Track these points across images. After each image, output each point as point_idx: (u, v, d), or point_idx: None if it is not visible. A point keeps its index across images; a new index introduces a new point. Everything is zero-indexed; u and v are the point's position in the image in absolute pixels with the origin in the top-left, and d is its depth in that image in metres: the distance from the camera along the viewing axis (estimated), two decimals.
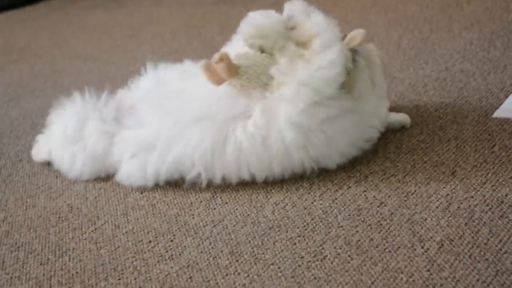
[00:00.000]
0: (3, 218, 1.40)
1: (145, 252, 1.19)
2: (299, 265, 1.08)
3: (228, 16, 2.58)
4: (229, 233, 1.20)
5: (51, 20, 3.14)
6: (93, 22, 2.94)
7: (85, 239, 1.27)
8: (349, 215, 1.18)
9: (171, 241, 1.21)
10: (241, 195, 1.31)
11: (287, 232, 1.17)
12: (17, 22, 3.23)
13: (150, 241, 1.22)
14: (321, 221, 1.18)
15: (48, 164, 1.55)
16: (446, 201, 1.16)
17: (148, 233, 1.25)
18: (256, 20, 1.36)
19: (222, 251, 1.15)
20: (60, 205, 1.41)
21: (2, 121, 1.92)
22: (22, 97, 2.10)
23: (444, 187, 1.20)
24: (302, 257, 1.10)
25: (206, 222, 1.25)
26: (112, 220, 1.31)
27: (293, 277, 1.06)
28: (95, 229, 1.30)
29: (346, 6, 2.39)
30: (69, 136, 1.45)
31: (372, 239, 1.11)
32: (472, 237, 1.06)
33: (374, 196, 1.22)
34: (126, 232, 1.26)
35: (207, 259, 1.14)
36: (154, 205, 1.34)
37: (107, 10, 3.10)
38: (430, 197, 1.18)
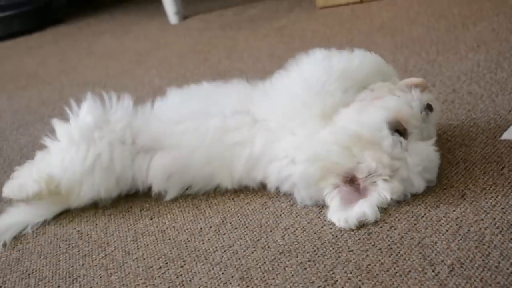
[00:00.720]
0: (14, 245, 1.40)
1: (155, 278, 1.19)
2: None
3: (235, 41, 2.59)
4: (239, 259, 1.20)
5: (59, 47, 3.16)
6: (101, 48, 2.96)
7: (95, 265, 1.27)
8: (359, 239, 1.18)
9: (181, 267, 1.21)
10: (250, 220, 1.31)
11: (297, 257, 1.17)
12: (25, 49, 3.25)
13: (160, 267, 1.22)
14: (331, 246, 1.18)
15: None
16: (456, 224, 1.16)
17: (158, 259, 1.25)
18: None
19: (232, 277, 1.15)
20: (70, 231, 1.41)
21: (12, 148, 1.93)
22: (31, 124, 2.11)
23: (454, 210, 1.20)
24: (313, 282, 1.10)
25: (216, 247, 1.25)
26: (122, 246, 1.31)
27: None
28: (105, 255, 1.30)
29: (352, 29, 2.40)
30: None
31: (382, 263, 1.10)
32: (483, 260, 1.06)
33: (384, 220, 1.22)
34: (136, 258, 1.26)
35: (218, 285, 1.14)
36: (164, 231, 1.34)
37: (115, 36, 3.11)
38: (440, 220, 1.18)
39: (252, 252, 1.21)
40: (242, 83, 1.44)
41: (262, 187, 1.38)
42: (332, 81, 1.30)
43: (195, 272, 1.19)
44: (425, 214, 1.21)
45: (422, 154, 1.23)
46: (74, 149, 1.42)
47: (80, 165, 1.41)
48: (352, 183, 1.25)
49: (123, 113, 1.46)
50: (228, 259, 1.20)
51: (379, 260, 1.11)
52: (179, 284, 1.16)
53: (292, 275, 1.12)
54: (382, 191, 1.22)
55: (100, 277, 1.23)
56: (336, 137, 1.25)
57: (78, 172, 1.41)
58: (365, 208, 1.21)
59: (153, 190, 1.44)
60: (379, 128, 1.22)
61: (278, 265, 1.16)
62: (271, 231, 1.26)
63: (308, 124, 1.29)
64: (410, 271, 1.07)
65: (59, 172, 1.42)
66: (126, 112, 1.47)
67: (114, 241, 1.34)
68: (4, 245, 1.40)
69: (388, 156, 1.21)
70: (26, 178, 1.44)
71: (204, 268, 1.19)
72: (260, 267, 1.16)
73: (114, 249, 1.31)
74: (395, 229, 1.18)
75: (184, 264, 1.21)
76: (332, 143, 1.25)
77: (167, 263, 1.23)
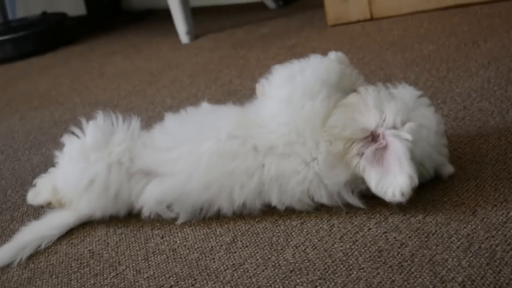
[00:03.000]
0: (25, 264, 1.40)
1: None
2: None
3: (246, 60, 2.60)
4: (250, 277, 1.20)
5: (71, 67, 3.18)
6: (112, 69, 2.97)
7: (107, 284, 1.27)
8: (370, 257, 1.18)
9: (192, 285, 1.21)
10: (261, 238, 1.31)
11: (308, 275, 1.17)
12: (38, 69, 3.27)
13: (171, 286, 1.22)
14: (342, 264, 1.18)
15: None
16: (467, 241, 1.16)
17: (169, 278, 1.25)
18: None
19: None
20: (82, 251, 1.41)
21: (24, 168, 1.94)
22: (44, 144, 2.12)
23: (465, 227, 1.20)
24: None
25: (227, 266, 1.25)
26: (133, 265, 1.32)
27: None
28: (116, 274, 1.30)
29: (363, 47, 2.40)
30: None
31: (393, 281, 1.10)
32: (494, 277, 1.06)
33: (394, 237, 1.22)
34: (147, 277, 1.26)
35: None
36: (175, 249, 1.34)
37: (126, 57, 3.13)
38: (451, 238, 1.18)
39: (263, 271, 1.21)
40: (236, 107, 1.45)
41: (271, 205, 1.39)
42: (315, 91, 1.34)
43: None
44: (436, 231, 1.21)
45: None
46: (72, 167, 1.47)
47: (76, 184, 1.45)
48: (374, 141, 1.27)
49: (124, 136, 1.47)
50: (238, 278, 1.20)
51: (390, 278, 1.11)
52: None
53: None
54: (401, 135, 1.25)
55: None
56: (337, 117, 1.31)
57: (74, 190, 1.46)
58: (405, 170, 1.22)
59: (143, 213, 1.44)
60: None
61: (289, 283, 1.15)
62: (281, 249, 1.26)
63: (312, 140, 1.31)
64: None
65: (60, 186, 1.51)
66: (128, 135, 1.48)
67: (125, 260, 1.34)
68: (19, 263, 1.41)
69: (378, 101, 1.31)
70: (41, 187, 1.59)
71: (215, 286, 1.19)
72: (270, 286, 1.16)
73: (125, 268, 1.31)
74: (405, 246, 1.18)
75: (195, 283, 1.22)
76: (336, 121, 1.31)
77: (178, 281, 1.23)
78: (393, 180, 1.23)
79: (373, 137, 1.27)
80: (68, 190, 1.48)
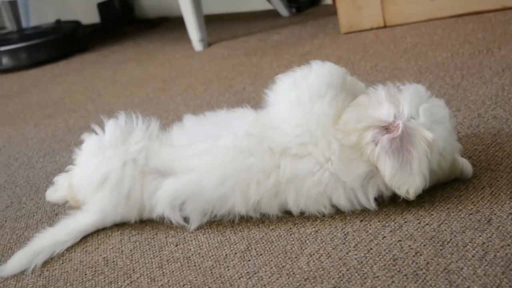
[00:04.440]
0: (40, 272, 1.41)
1: None
2: None
3: (259, 67, 2.60)
4: (264, 285, 1.20)
5: (85, 75, 3.19)
6: (126, 76, 2.98)
7: None
8: (384, 265, 1.18)
9: None
10: (275, 246, 1.31)
11: (322, 283, 1.16)
12: (51, 77, 3.28)
13: None
14: (356, 272, 1.17)
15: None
16: (483, 250, 1.15)
17: (183, 286, 1.25)
18: None
19: None
20: (96, 258, 1.41)
21: (39, 176, 1.95)
22: (58, 152, 2.12)
23: (480, 236, 1.20)
24: None
25: (241, 274, 1.25)
26: (148, 273, 1.32)
27: None
28: (131, 282, 1.30)
29: (376, 55, 2.40)
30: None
31: None
32: (510, 286, 1.05)
33: (409, 246, 1.21)
34: (162, 285, 1.27)
35: None
36: (189, 257, 1.34)
37: (139, 64, 3.14)
38: (466, 246, 1.17)
39: (277, 279, 1.20)
40: (251, 110, 1.46)
41: (286, 212, 1.38)
42: (321, 93, 1.35)
43: None
44: (451, 239, 1.20)
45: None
46: (87, 163, 1.49)
47: (90, 179, 1.47)
48: (390, 131, 1.28)
49: (142, 136, 1.48)
50: (253, 286, 1.20)
51: (405, 286, 1.11)
52: None
53: None
54: (423, 133, 1.26)
55: None
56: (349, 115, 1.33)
57: (88, 185, 1.47)
58: (423, 170, 1.25)
59: (156, 211, 1.45)
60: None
61: None
62: (296, 257, 1.26)
63: (325, 140, 1.32)
64: None
65: (75, 183, 1.53)
66: (146, 134, 1.49)
67: (140, 268, 1.34)
68: (33, 270, 1.42)
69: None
70: (59, 184, 1.63)
71: None
72: None
73: (140, 276, 1.32)
74: (420, 255, 1.18)
75: None
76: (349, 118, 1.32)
77: None
78: (410, 177, 1.24)
79: (389, 128, 1.28)
80: (82, 186, 1.50)
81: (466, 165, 1.37)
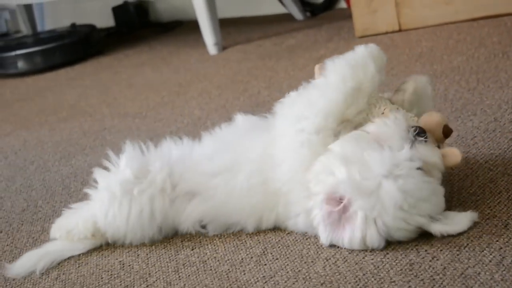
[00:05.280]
0: (56, 276, 1.41)
1: None
2: None
3: (274, 71, 2.60)
4: None
5: (100, 79, 3.20)
6: (141, 80, 2.98)
7: None
8: (401, 270, 1.17)
9: None
10: (291, 251, 1.31)
11: (338, 287, 1.16)
12: (66, 81, 3.29)
13: None
14: (373, 277, 1.17)
15: None
16: (500, 255, 1.15)
17: None
18: None
19: None
20: (112, 262, 1.42)
21: (54, 179, 1.95)
22: (73, 155, 2.13)
23: (497, 240, 1.19)
24: None
25: (257, 278, 1.25)
26: (164, 277, 1.32)
27: None
28: (147, 286, 1.31)
29: (391, 58, 2.39)
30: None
31: None
32: None
33: (426, 250, 1.21)
34: None
35: None
36: (205, 261, 1.34)
37: (154, 68, 3.14)
38: (483, 251, 1.17)
39: (294, 283, 1.20)
40: (264, 131, 1.42)
41: None
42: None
43: None
44: (468, 244, 1.20)
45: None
46: (117, 205, 1.42)
47: (124, 222, 1.43)
48: (337, 203, 1.24)
49: (162, 163, 1.45)
50: None
51: None
52: None
53: None
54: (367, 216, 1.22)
55: None
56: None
57: (122, 228, 1.44)
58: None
59: (181, 230, 1.45)
60: None
61: None
62: (312, 261, 1.26)
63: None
64: None
65: (103, 226, 1.45)
66: (165, 161, 1.46)
67: (156, 272, 1.35)
68: (42, 271, 1.42)
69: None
70: (72, 225, 1.48)
71: None
72: None
73: (156, 280, 1.32)
74: (437, 259, 1.17)
75: None
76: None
77: None
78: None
79: (338, 199, 1.24)
80: (113, 230, 1.45)
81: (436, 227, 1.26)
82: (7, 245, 1.60)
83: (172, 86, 2.74)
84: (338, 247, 1.27)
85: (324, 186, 1.26)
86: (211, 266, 1.32)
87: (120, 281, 1.34)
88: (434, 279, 1.13)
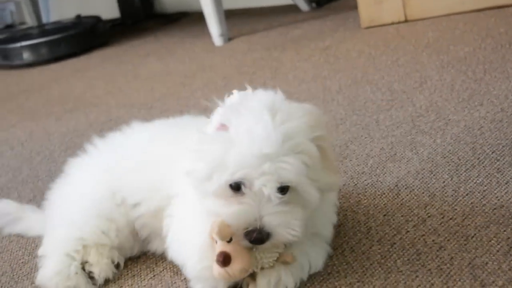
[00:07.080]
0: None
1: None
2: None
3: (280, 62, 2.60)
4: None
5: (105, 70, 3.20)
6: (146, 71, 2.98)
7: (144, 286, 1.28)
8: (408, 259, 1.17)
9: None
10: None
11: (346, 277, 1.16)
12: (72, 72, 3.30)
13: None
14: (380, 266, 1.17)
15: None
16: (507, 245, 1.15)
17: None
18: None
19: None
20: None
21: (61, 170, 1.94)
22: (79, 146, 2.11)
23: (505, 230, 1.19)
24: None
25: None
26: (171, 267, 1.32)
27: None
28: (154, 276, 1.31)
29: (397, 49, 2.39)
30: None
31: (432, 284, 1.09)
32: None
33: (433, 240, 1.21)
34: (184, 278, 1.26)
35: None
36: None
37: (160, 59, 3.14)
38: (490, 241, 1.17)
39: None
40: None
41: None
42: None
43: None
44: (475, 234, 1.20)
45: None
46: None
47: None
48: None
49: None
50: None
51: (429, 281, 1.10)
52: None
53: None
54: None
55: None
56: None
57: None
58: None
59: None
60: None
61: (327, 286, 1.15)
62: None
63: None
64: None
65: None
66: None
67: (162, 262, 1.35)
68: None
69: None
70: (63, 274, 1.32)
71: None
72: None
73: (163, 270, 1.32)
74: (444, 249, 1.17)
75: None
76: None
77: None
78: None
79: None
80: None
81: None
82: (14, 235, 1.60)
83: (178, 76, 2.74)
84: (345, 237, 1.28)
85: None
86: None
87: (127, 271, 1.34)
88: (441, 268, 1.13)
